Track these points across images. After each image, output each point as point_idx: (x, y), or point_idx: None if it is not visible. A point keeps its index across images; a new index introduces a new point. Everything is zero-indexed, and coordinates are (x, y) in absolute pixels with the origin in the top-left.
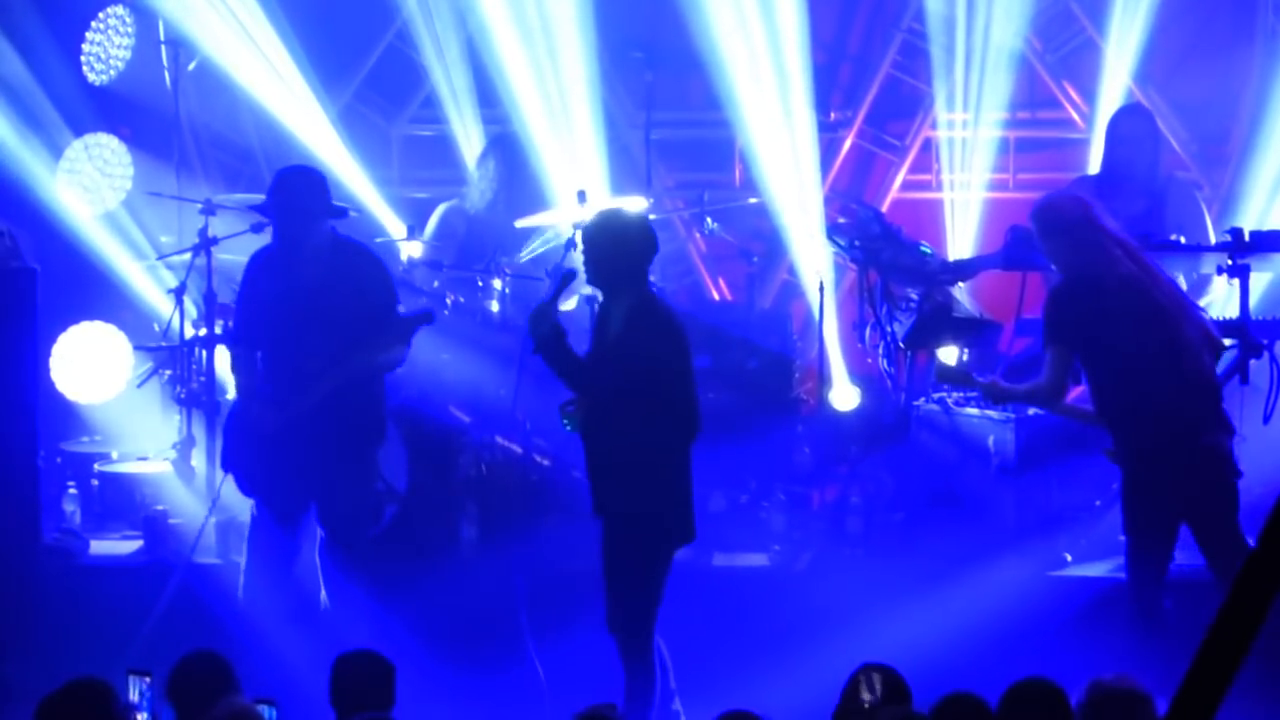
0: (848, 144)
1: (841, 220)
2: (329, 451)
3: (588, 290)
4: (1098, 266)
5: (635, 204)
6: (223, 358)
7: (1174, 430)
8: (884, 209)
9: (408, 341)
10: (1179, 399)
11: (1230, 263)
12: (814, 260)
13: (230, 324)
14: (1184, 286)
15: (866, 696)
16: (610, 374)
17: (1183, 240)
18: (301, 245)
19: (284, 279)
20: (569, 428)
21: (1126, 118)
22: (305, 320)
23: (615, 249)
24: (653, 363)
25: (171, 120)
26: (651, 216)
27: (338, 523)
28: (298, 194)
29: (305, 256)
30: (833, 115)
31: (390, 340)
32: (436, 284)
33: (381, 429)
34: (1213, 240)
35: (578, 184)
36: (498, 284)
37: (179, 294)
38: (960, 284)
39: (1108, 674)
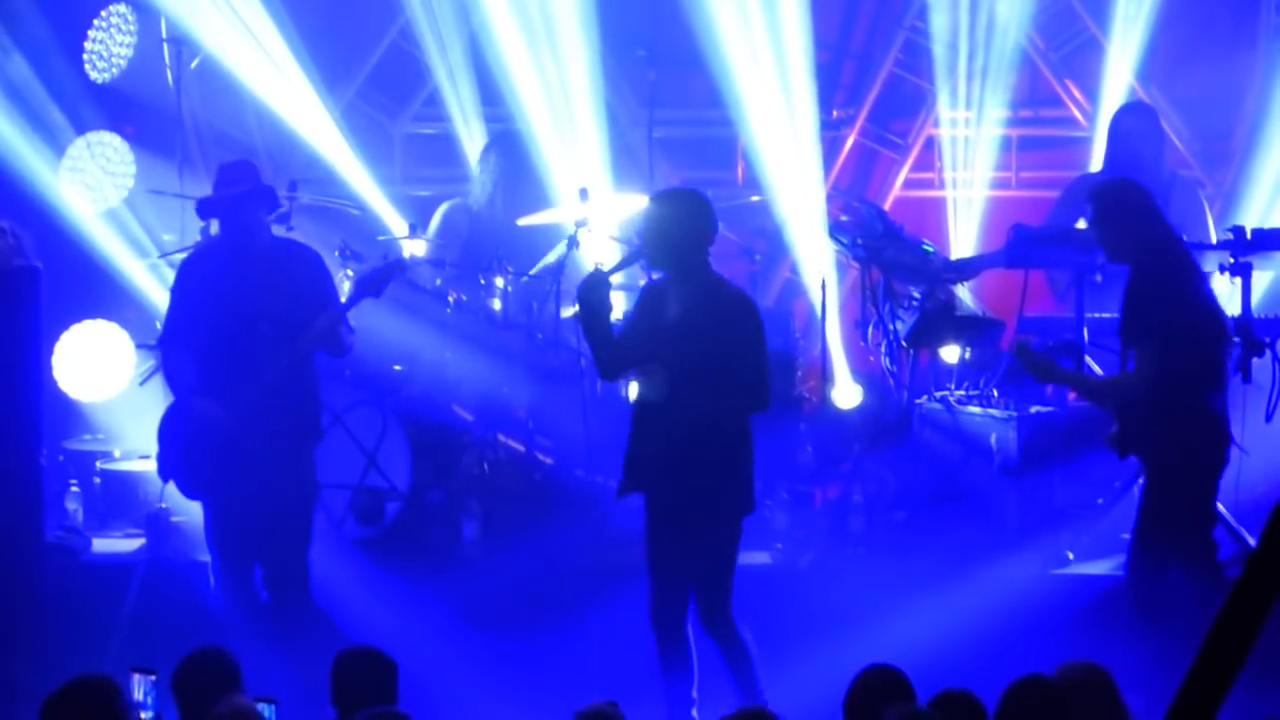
0: (850, 142)
1: (844, 218)
2: (268, 448)
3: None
4: (1174, 246)
5: (637, 202)
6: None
7: (1227, 423)
8: (886, 207)
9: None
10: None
11: (1232, 261)
12: (816, 258)
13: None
14: None
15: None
16: (688, 351)
17: (1185, 238)
18: (247, 242)
19: (225, 278)
20: (644, 395)
21: (1128, 115)
22: (247, 319)
23: (687, 228)
24: (733, 338)
25: (174, 118)
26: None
27: (275, 525)
28: (249, 182)
29: (247, 255)
30: (835, 113)
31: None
32: (439, 282)
33: (318, 425)
34: (1214, 238)
35: (580, 182)
36: (500, 282)
37: None
38: (963, 282)
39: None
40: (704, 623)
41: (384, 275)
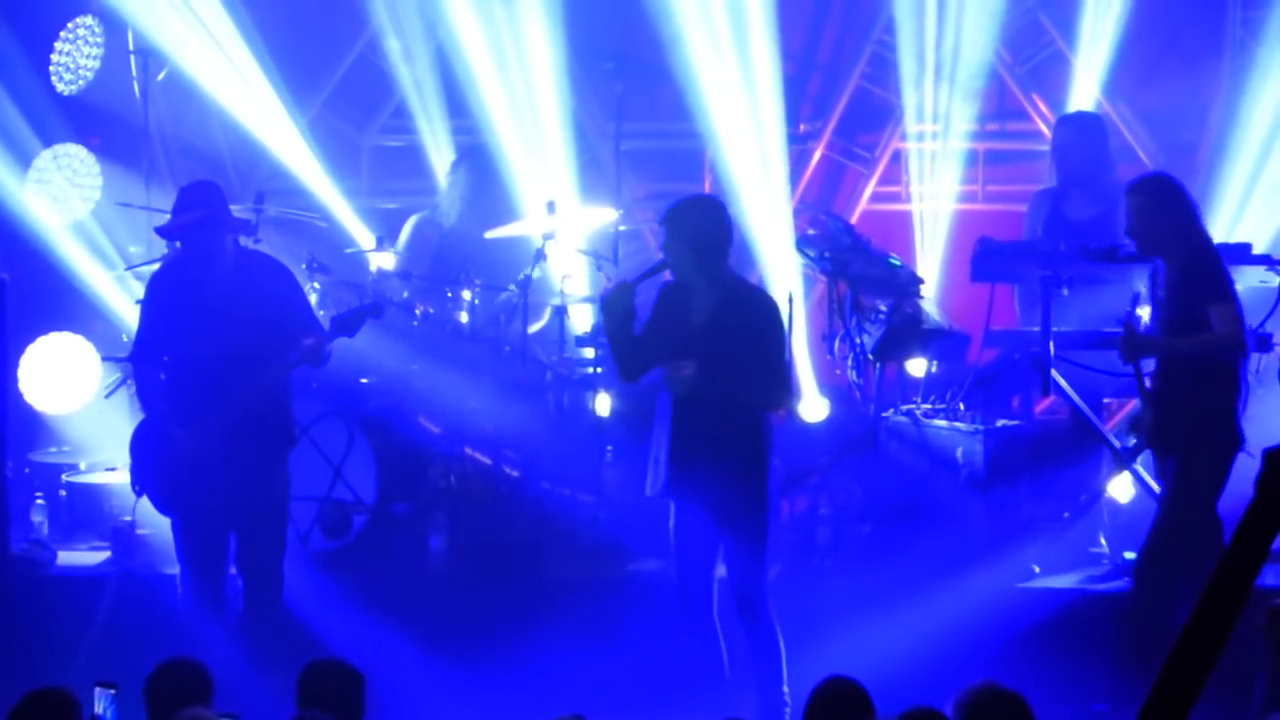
0: (817, 155)
1: (811, 231)
2: (243, 462)
3: (558, 301)
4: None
5: (605, 215)
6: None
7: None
8: (853, 220)
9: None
10: None
11: None
12: (783, 271)
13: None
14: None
15: None
16: (719, 349)
17: None
18: (212, 259)
19: (192, 293)
20: (677, 391)
21: (1063, 126)
22: (217, 333)
23: (718, 232)
24: (762, 337)
25: (141, 130)
26: (621, 227)
27: (254, 534)
28: (207, 207)
29: (214, 270)
30: (802, 127)
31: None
32: (406, 294)
33: (291, 436)
34: None
35: (547, 194)
36: (467, 295)
37: None
38: (928, 295)
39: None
40: (740, 610)
41: (360, 316)
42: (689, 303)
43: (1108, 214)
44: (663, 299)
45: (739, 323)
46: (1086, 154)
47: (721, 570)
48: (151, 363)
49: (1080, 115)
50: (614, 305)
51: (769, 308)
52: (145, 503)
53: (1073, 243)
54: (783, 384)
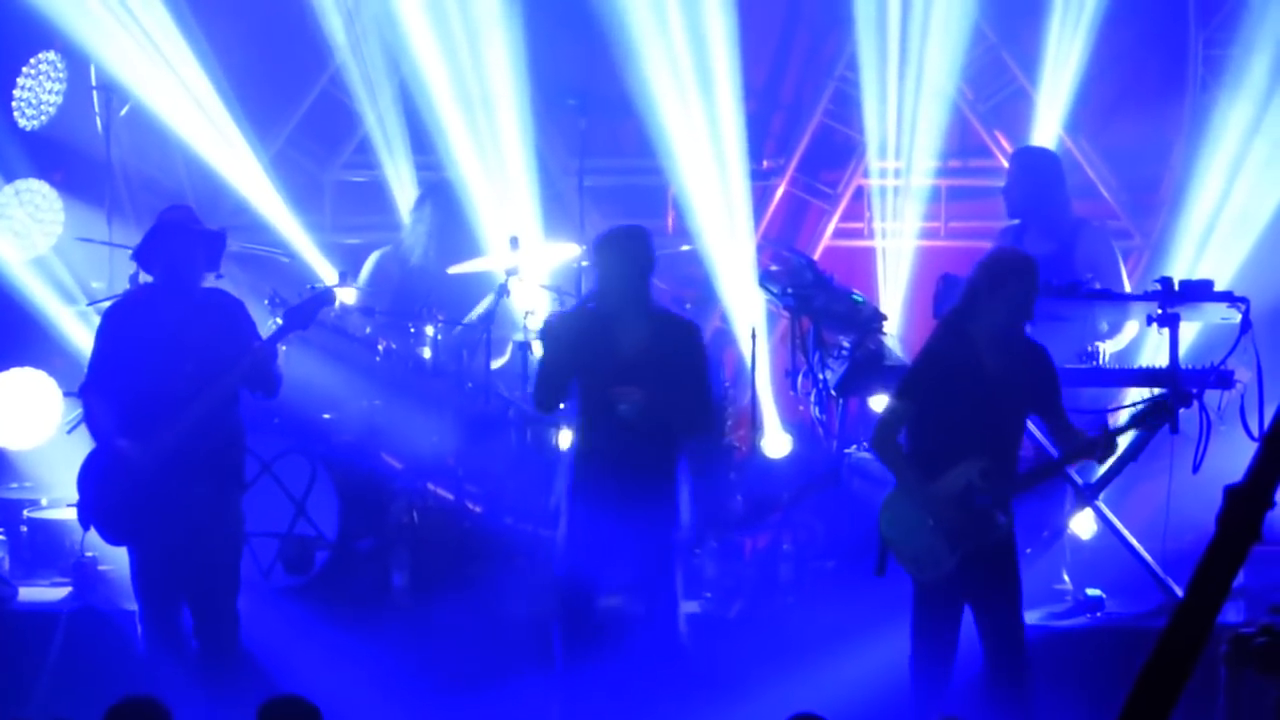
0: (780, 192)
1: (774, 268)
2: (190, 493)
3: (520, 336)
4: None
5: (568, 251)
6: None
7: None
8: (816, 256)
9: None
10: None
11: (1160, 312)
12: (746, 307)
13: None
14: (1104, 331)
15: None
16: (654, 379)
17: (1098, 285)
18: (181, 294)
19: (148, 325)
20: (623, 417)
21: (1012, 161)
22: (169, 365)
23: (647, 262)
24: (691, 365)
25: (103, 165)
26: (584, 263)
27: (205, 570)
28: (189, 243)
29: (173, 302)
30: (765, 163)
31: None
32: (369, 330)
33: (240, 471)
34: (1128, 285)
35: (511, 230)
36: (430, 330)
37: None
38: (890, 331)
39: None
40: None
41: (311, 305)
42: (614, 332)
43: (1064, 249)
44: (581, 329)
45: (668, 351)
46: (1035, 189)
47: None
48: (103, 395)
49: (1029, 150)
50: (554, 335)
51: (695, 336)
52: (96, 536)
53: None
54: (711, 411)
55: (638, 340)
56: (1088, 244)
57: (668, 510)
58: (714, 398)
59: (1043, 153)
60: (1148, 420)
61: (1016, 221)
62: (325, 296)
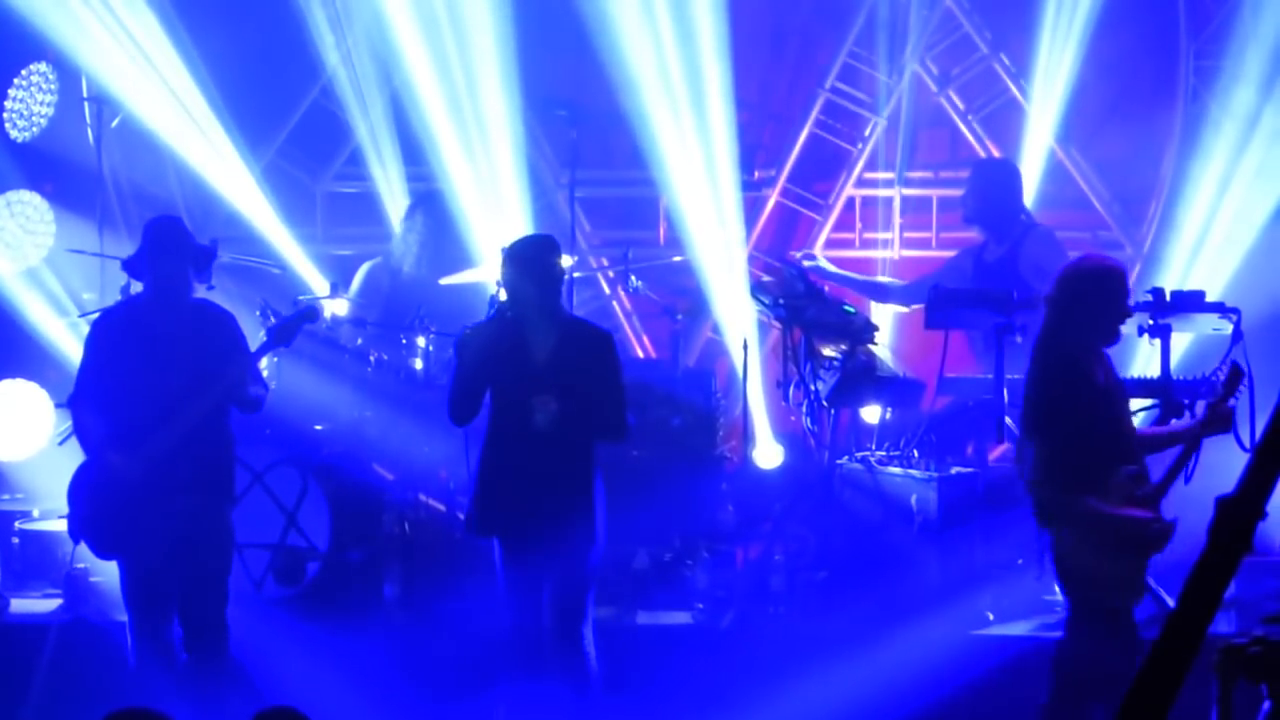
0: (771, 202)
1: (765, 278)
2: (179, 504)
3: None
4: None
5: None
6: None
7: None
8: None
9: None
10: None
11: (1151, 323)
12: (738, 318)
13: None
14: None
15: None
16: (567, 385)
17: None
18: (172, 306)
19: (137, 337)
20: (541, 424)
21: (971, 171)
22: (157, 377)
23: (558, 270)
24: (603, 370)
25: (95, 177)
26: (577, 274)
27: (194, 582)
28: (177, 244)
29: (162, 314)
30: (756, 174)
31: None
32: (360, 341)
33: (230, 482)
34: None
35: (502, 241)
36: (421, 341)
37: None
38: (882, 342)
39: None
40: (558, 641)
41: (294, 322)
42: (527, 340)
43: (1010, 253)
44: (495, 339)
45: (580, 358)
46: (986, 196)
47: None
48: (91, 407)
49: (986, 160)
50: (468, 346)
51: (608, 344)
52: (86, 549)
53: (987, 284)
54: (624, 416)
55: (549, 349)
56: (1033, 247)
57: (585, 528)
58: (625, 403)
59: (999, 162)
60: (1231, 386)
61: (978, 236)
62: (309, 314)
